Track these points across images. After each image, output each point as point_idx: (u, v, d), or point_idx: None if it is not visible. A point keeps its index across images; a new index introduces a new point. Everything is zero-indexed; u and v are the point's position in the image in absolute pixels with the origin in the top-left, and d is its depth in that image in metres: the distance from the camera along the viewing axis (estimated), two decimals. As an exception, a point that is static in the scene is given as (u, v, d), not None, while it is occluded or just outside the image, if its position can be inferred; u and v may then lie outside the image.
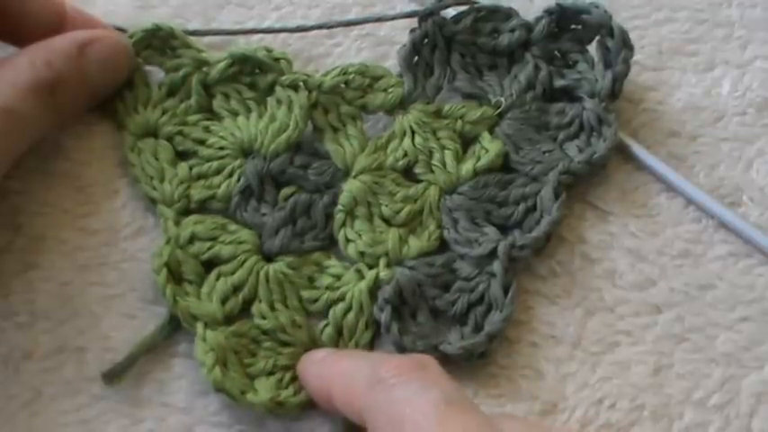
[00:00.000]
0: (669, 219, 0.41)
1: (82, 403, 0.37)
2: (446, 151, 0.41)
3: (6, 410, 0.36)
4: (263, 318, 0.38)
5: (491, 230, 0.40)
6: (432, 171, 0.41)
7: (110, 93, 0.41)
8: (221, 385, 0.36)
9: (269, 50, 0.42)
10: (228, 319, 0.38)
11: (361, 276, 0.39)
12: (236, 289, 0.39)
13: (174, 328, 0.38)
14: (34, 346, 0.37)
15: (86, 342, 0.38)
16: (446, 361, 0.36)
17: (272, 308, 0.38)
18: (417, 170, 0.41)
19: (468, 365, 0.38)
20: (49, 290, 0.39)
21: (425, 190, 0.41)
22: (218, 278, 0.39)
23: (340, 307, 0.38)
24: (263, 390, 0.36)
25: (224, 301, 0.38)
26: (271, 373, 0.37)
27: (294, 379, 0.37)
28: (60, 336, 0.38)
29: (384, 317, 0.38)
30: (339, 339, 0.38)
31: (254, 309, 0.38)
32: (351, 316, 0.38)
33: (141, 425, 0.37)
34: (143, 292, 0.39)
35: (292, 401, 0.36)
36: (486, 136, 0.42)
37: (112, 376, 0.37)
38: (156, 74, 0.43)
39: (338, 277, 0.39)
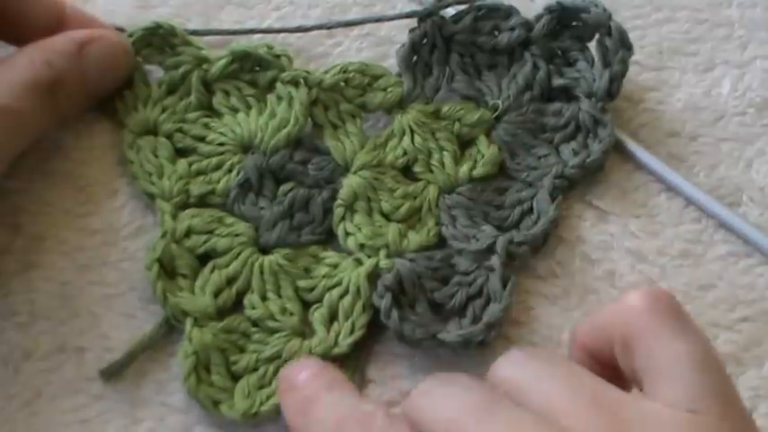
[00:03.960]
0: (669, 219, 0.41)
1: (82, 403, 0.37)
2: (444, 152, 0.41)
3: (6, 410, 0.36)
4: (254, 308, 0.38)
5: (489, 228, 0.40)
6: (431, 171, 0.41)
7: (109, 92, 0.41)
8: (194, 394, 0.36)
9: (270, 47, 0.42)
10: (221, 314, 0.38)
11: (359, 263, 0.39)
12: (230, 281, 0.38)
13: (173, 325, 0.38)
14: (34, 346, 0.37)
15: (86, 342, 0.38)
16: (445, 351, 0.36)
17: (264, 298, 0.38)
18: (416, 169, 0.41)
19: (469, 364, 0.38)
20: (48, 290, 0.39)
21: (424, 188, 0.41)
22: (212, 271, 0.39)
23: (336, 290, 0.38)
24: (240, 398, 0.36)
25: (217, 294, 0.38)
26: (254, 370, 0.37)
27: (276, 372, 0.37)
28: (60, 336, 0.38)
29: (384, 303, 0.38)
30: (333, 322, 0.38)
31: (246, 300, 0.38)
32: (347, 299, 0.38)
33: (141, 425, 0.37)
34: (143, 292, 0.39)
35: (266, 410, 0.36)
36: (482, 140, 0.42)
37: (110, 374, 0.37)
38: (156, 72, 0.43)
39: (335, 266, 0.39)
